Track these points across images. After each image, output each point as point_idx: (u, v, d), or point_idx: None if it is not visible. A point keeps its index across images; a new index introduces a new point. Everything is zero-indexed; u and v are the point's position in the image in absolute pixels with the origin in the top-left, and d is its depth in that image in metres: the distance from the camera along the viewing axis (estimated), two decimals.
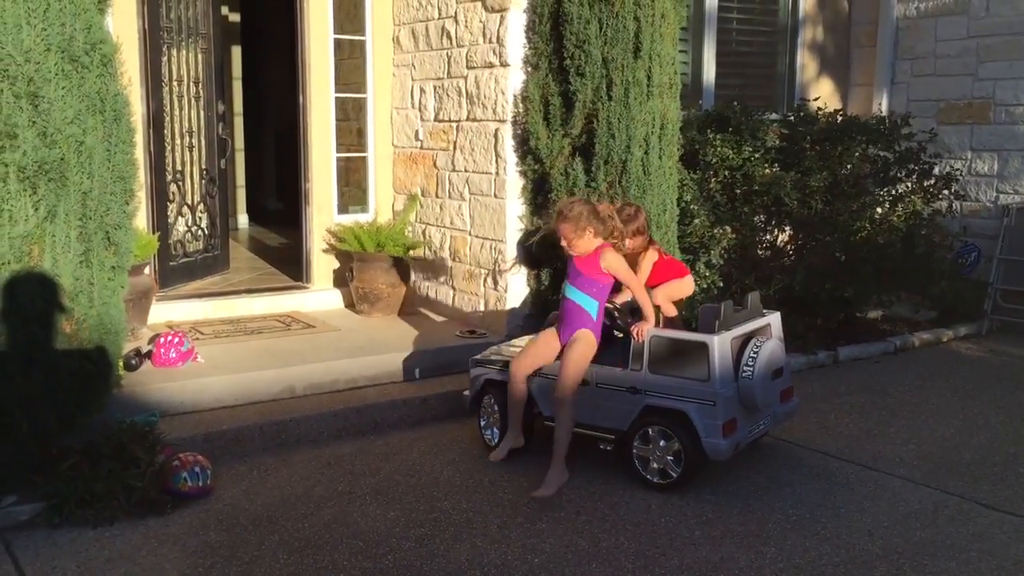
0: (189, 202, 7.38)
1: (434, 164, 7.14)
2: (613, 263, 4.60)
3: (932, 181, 7.74)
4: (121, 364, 5.11)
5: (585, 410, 4.81)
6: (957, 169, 8.29)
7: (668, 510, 4.38)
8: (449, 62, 6.87)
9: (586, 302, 4.64)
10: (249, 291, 7.33)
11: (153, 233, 6.67)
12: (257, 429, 5.14)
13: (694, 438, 4.49)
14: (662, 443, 4.58)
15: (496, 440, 5.06)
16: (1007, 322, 8.09)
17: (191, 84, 7.31)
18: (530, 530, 4.17)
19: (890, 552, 3.98)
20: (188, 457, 4.52)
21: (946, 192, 7.79)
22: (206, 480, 4.48)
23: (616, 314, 5.15)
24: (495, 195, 6.50)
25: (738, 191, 7.07)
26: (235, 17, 11.03)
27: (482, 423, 5.17)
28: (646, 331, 4.64)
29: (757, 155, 7.05)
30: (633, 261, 5.00)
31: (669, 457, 4.57)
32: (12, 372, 4.15)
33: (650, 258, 5.16)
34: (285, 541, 4.04)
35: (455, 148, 6.88)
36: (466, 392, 5.36)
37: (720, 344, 4.50)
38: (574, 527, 4.20)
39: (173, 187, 7.12)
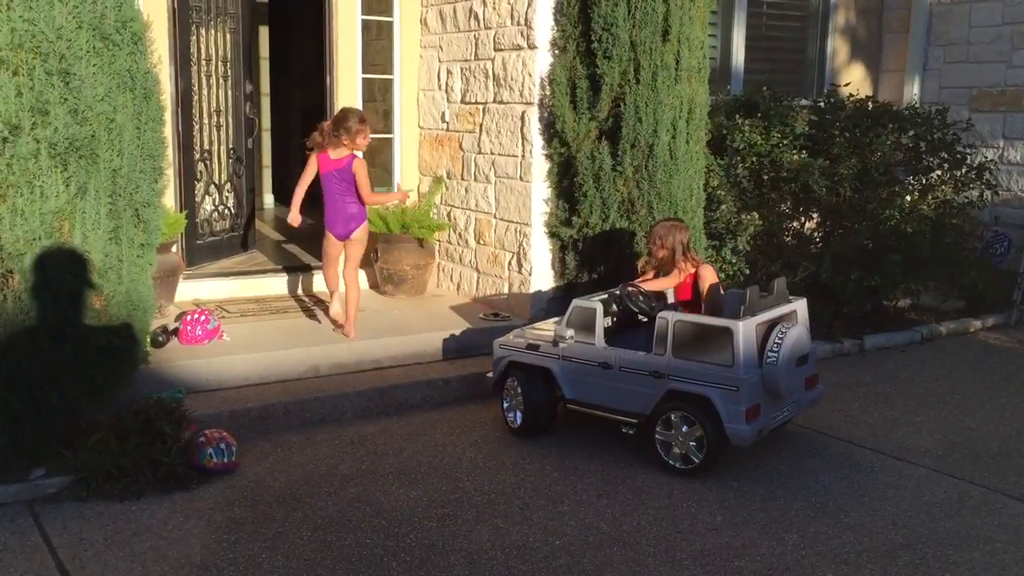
0: (216, 181, 7.42)
1: (460, 146, 7.14)
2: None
3: (964, 170, 7.64)
4: (148, 340, 5.17)
5: (607, 393, 4.82)
6: (991, 160, 8.17)
7: (690, 495, 4.38)
8: (476, 44, 6.85)
9: None
10: (275, 270, 7.37)
11: (181, 211, 6.72)
12: (282, 407, 5.18)
13: (717, 423, 4.48)
14: (684, 428, 4.57)
15: (519, 422, 5.08)
16: None
17: (219, 64, 7.33)
18: (552, 512, 4.18)
19: (914, 542, 3.96)
20: (214, 433, 4.57)
21: (978, 182, 7.69)
22: (231, 456, 4.53)
23: (640, 298, 5.14)
24: (521, 178, 6.49)
25: (765, 177, 7.01)
26: None
27: (505, 405, 5.18)
28: None
29: (785, 141, 6.99)
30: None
31: (691, 442, 4.56)
32: (42, 346, 4.20)
33: (674, 276, 5.13)
34: (309, 518, 4.08)
35: (481, 130, 6.87)
36: (489, 374, 5.37)
37: (745, 329, 4.48)
38: (596, 510, 4.21)
39: (201, 166, 7.17)
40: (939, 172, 7.63)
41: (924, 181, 7.59)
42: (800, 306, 5.04)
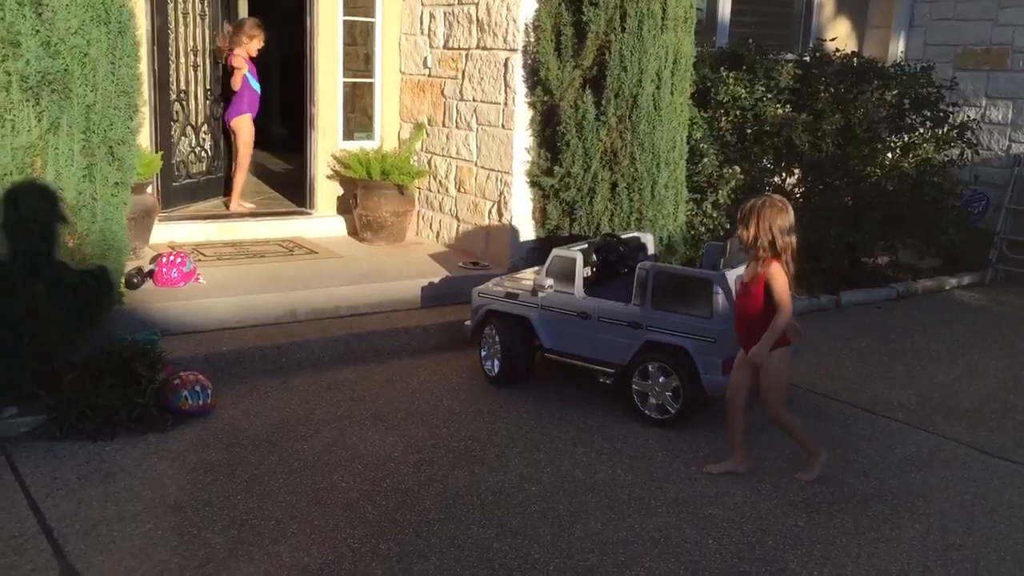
0: (193, 122, 7.29)
1: (442, 92, 7.04)
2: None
3: (946, 129, 7.64)
4: (123, 281, 5.10)
5: (585, 343, 4.82)
6: (973, 119, 8.17)
7: (665, 445, 4.41)
8: None
9: None
10: (252, 215, 7.29)
11: (156, 152, 6.60)
12: (258, 351, 5.15)
13: (693, 374, 4.49)
14: (661, 379, 4.59)
15: (496, 371, 5.07)
16: (1012, 272, 8.05)
17: (197, 1, 7.17)
18: (528, 459, 4.19)
19: (884, 493, 4.01)
20: (189, 376, 4.53)
21: (959, 140, 7.70)
22: (206, 399, 4.50)
23: (621, 248, 5.13)
24: (503, 126, 6.42)
25: (748, 131, 6.97)
26: None
27: (483, 353, 5.17)
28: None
29: (770, 95, 6.94)
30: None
31: (668, 393, 4.58)
32: (14, 284, 4.13)
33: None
34: (284, 461, 4.07)
35: (463, 77, 6.77)
36: (467, 322, 5.35)
37: (723, 281, 4.48)
38: (572, 458, 4.23)
39: (177, 106, 7.03)
40: (921, 130, 7.62)
41: (906, 138, 7.59)
42: None
